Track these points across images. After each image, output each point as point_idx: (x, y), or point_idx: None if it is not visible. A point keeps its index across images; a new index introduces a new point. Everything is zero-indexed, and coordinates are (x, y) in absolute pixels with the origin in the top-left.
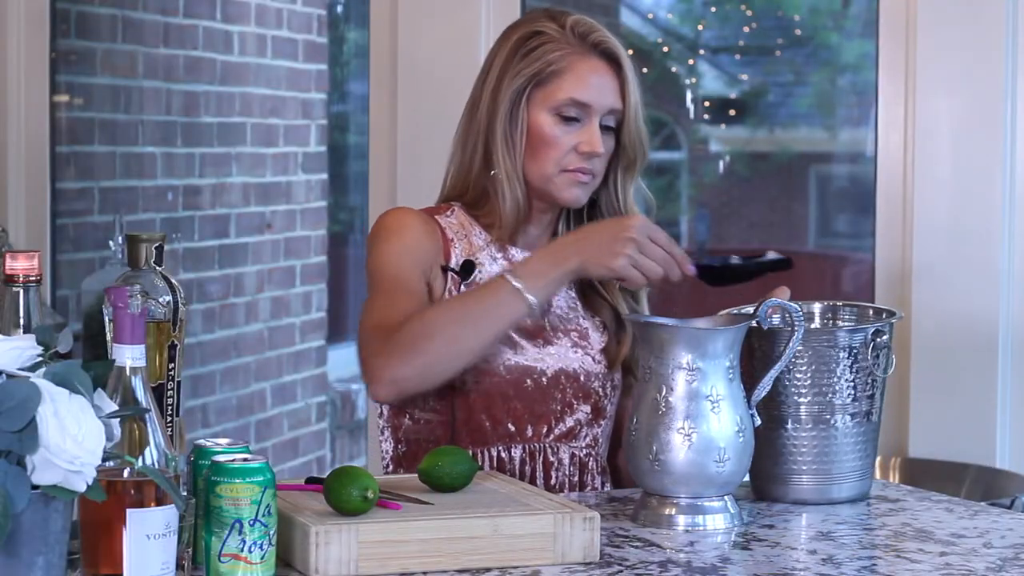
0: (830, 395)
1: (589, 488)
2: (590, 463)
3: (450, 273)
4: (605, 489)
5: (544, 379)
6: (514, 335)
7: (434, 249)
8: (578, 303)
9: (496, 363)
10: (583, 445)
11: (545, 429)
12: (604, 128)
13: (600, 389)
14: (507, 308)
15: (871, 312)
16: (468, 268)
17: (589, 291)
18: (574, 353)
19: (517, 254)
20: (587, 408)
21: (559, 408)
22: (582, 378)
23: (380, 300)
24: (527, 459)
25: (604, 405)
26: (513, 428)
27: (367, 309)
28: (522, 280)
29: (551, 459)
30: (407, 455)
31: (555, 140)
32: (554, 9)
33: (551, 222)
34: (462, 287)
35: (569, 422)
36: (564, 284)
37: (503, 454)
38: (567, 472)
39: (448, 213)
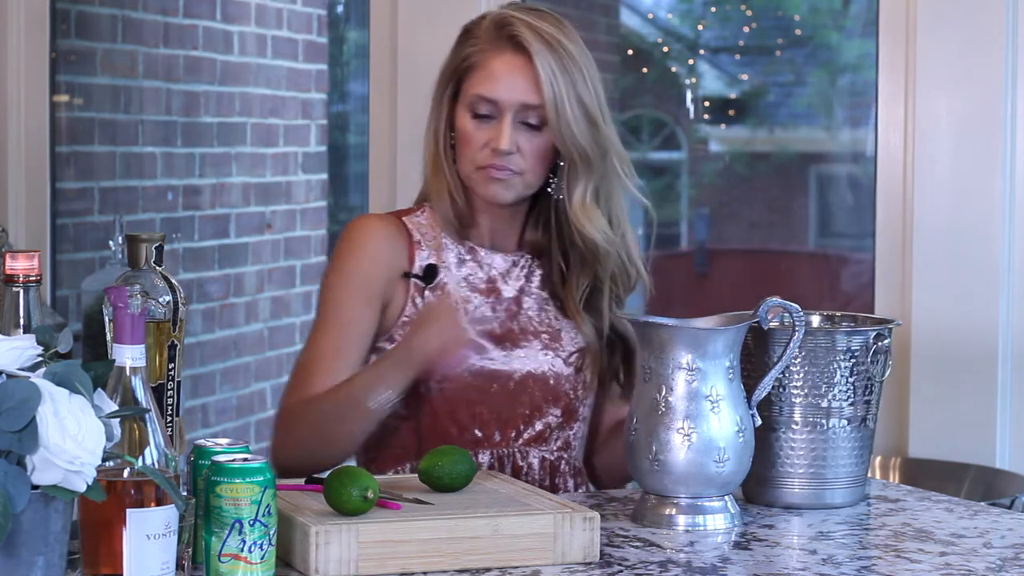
0: (826, 398)
1: (562, 491)
2: (561, 466)
3: (412, 280)
4: (579, 491)
5: (511, 383)
6: (480, 340)
7: (395, 259)
8: (551, 304)
9: (461, 368)
10: (554, 448)
11: (514, 433)
12: (528, 124)
13: (571, 391)
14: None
15: (869, 323)
16: (431, 272)
17: (563, 292)
18: (544, 355)
19: (485, 255)
20: (558, 411)
21: (527, 412)
22: (551, 380)
23: (315, 334)
24: (495, 464)
25: (576, 407)
26: (480, 433)
27: (308, 338)
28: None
29: (520, 463)
30: (376, 461)
31: (470, 137)
32: (513, 5)
33: (512, 218)
34: (426, 293)
35: (538, 426)
36: (410, 373)
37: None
38: (536, 476)
39: (419, 213)
